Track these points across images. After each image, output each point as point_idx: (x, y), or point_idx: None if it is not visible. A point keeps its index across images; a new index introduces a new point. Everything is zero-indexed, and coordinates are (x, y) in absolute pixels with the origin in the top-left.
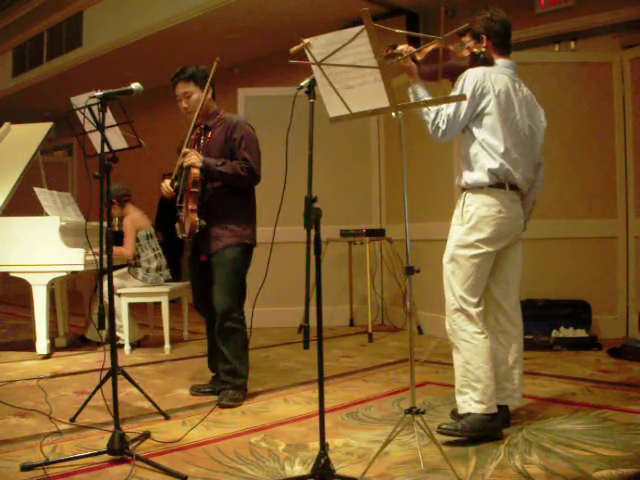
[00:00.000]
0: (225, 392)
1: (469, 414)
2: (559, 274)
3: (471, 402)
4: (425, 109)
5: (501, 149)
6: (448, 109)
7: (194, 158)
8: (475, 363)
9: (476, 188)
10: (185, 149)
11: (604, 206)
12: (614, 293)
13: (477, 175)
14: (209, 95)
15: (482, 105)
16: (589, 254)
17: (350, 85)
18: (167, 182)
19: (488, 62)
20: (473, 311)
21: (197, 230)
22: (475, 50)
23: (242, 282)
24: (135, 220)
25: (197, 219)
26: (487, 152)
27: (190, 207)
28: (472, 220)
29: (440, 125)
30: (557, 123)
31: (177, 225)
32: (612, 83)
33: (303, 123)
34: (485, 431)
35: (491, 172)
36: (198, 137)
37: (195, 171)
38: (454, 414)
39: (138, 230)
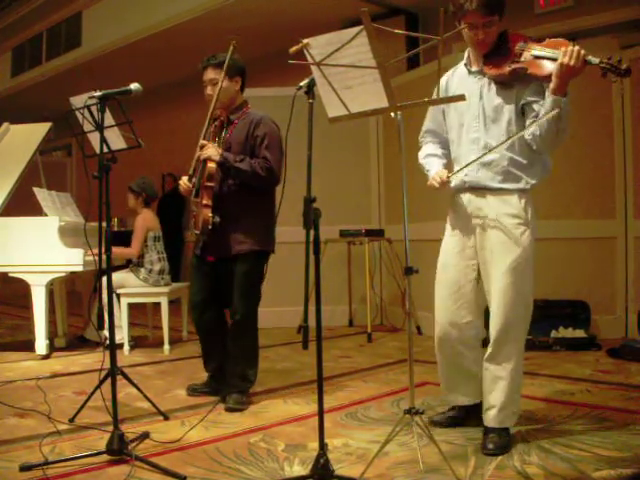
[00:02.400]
0: (230, 395)
1: (506, 428)
2: (558, 274)
3: (513, 416)
4: (563, 116)
5: None
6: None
7: (211, 151)
8: (521, 374)
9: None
10: (203, 141)
11: (603, 206)
12: (613, 293)
13: (535, 180)
14: (237, 87)
15: None
16: (588, 254)
17: (349, 85)
18: (185, 179)
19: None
20: None
21: (210, 226)
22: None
23: (259, 288)
24: (147, 220)
25: (210, 215)
26: (549, 158)
27: (204, 202)
28: (533, 221)
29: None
30: None
31: (192, 221)
32: (611, 83)
33: (302, 123)
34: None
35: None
36: (219, 130)
37: (211, 165)
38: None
39: (148, 231)
